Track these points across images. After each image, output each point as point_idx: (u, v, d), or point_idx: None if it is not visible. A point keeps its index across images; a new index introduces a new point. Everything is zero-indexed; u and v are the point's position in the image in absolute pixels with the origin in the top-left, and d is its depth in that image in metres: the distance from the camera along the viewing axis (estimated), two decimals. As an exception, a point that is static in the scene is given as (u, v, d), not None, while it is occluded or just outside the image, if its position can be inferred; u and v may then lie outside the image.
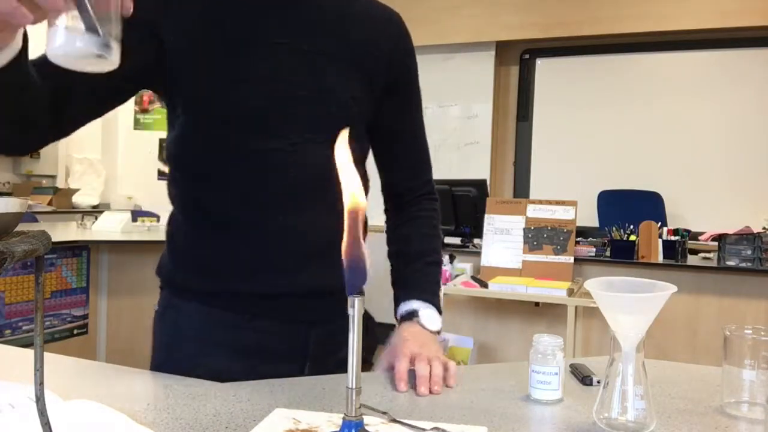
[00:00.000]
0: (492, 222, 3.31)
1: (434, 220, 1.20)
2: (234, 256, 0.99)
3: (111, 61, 0.64)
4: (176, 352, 1.03)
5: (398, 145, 1.15)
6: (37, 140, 0.91)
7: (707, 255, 3.36)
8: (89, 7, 0.61)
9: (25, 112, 0.83)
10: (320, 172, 0.97)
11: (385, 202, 1.20)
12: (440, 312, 1.10)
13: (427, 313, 1.06)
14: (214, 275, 1.00)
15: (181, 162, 1.03)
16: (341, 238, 0.99)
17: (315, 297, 1.01)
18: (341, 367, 1.10)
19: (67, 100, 0.88)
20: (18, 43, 0.71)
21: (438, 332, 1.07)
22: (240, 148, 0.97)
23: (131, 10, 0.64)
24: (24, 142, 0.90)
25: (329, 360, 1.03)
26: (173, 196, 1.05)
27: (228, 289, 1.00)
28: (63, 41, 0.61)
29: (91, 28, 0.61)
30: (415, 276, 1.12)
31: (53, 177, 6.14)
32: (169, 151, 1.03)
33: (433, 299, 1.09)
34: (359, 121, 1.05)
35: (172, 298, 1.05)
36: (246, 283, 0.99)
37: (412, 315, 1.06)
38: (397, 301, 1.11)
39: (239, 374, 0.95)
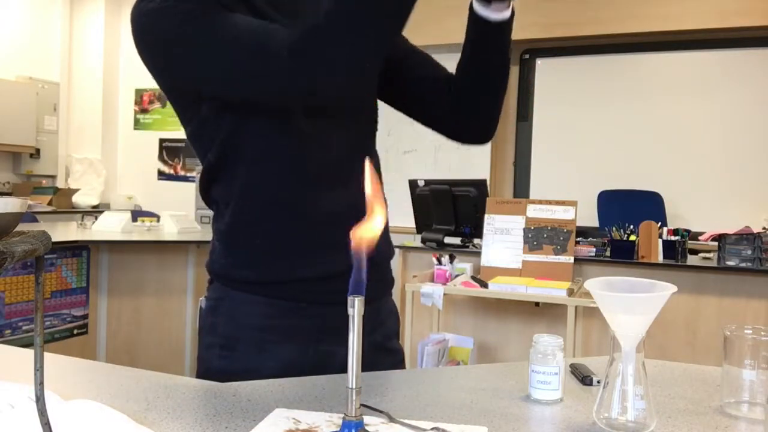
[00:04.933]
0: (492, 222, 3.31)
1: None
2: (285, 238, 1.03)
3: None
4: (239, 343, 1.04)
5: (414, 61, 1.17)
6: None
7: (707, 255, 3.36)
8: None
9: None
10: (358, 148, 1.04)
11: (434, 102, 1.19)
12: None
13: None
14: (269, 263, 1.03)
15: (222, 154, 1.03)
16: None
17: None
18: (378, 343, 1.11)
19: None
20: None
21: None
22: (267, 139, 1.01)
23: None
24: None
25: (371, 338, 1.06)
26: (218, 193, 1.06)
27: (284, 277, 1.03)
28: None
29: None
30: None
31: (53, 177, 6.15)
32: (208, 145, 1.04)
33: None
34: (375, 104, 1.11)
35: (226, 290, 1.06)
36: (301, 267, 1.02)
37: None
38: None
39: (302, 360, 1.01)
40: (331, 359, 1.03)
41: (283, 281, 1.03)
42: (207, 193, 1.09)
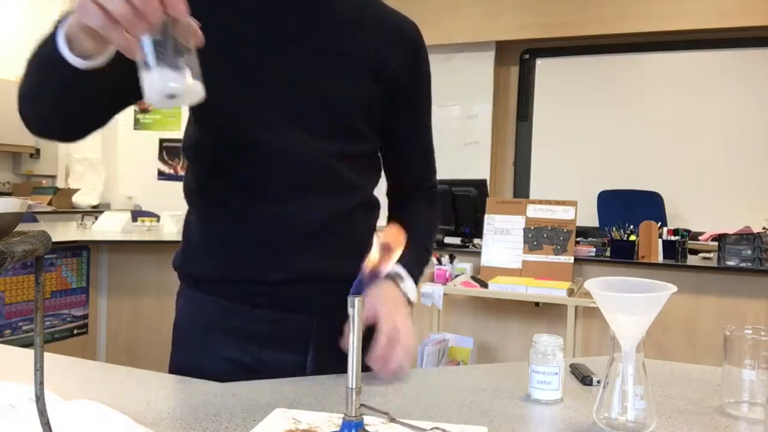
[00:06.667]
0: (492, 222, 3.31)
1: (434, 210, 1.23)
2: (231, 242, 1.03)
3: (197, 93, 0.72)
4: (190, 339, 1.06)
5: (405, 149, 1.16)
6: (85, 133, 0.95)
7: (707, 255, 3.36)
8: (171, 45, 0.69)
9: (92, 112, 0.90)
10: (316, 164, 1.01)
11: (388, 195, 1.22)
12: (417, 288, 1.11)
13: (410, 285, 1.07)
14: (214, 262, 1.04)
15: (187, 150, 1.08)
16: (334, 228, 0.99)
17: (310, 286, 1.03)
18: (345, 358, 1.10)
19: (120, 100, 0.94)
20: (110, 54, 0.77)
21: (412, 304, 1.07)
22: (232, 134, 1.00)
23: (203, 41, 0.72)
24: (77, 134, 0.95)
25: (333, 351, 1.01)
26: (184, 187, 1.11)
27: (228, 276, 1.03)
28: (158, 83, 0.68)
29: (175, 67, 0.69)
30: (410, 253, 1.11)
31: (53, 177, 6.14)
32: (183, 141, 1.10)
33: (417, 278, 1.10)
34: (360, 120, 1.06)
35: (184, 287, 1.10)
36: (244, 271, 1.02)
37: (395, 276, 1.05)
38: None
39: (246, 362, 1.00)
40: (282, 366, 1.01)
41: (227, 281, 1.03)
42: (183, 188, 1.13)
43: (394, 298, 1.02)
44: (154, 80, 0.68)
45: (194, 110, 1.03)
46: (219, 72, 0.97)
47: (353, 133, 1.06)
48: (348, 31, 1.05)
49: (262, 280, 1.02)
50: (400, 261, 1.07)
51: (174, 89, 0.69)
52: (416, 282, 1.09)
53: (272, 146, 1.00)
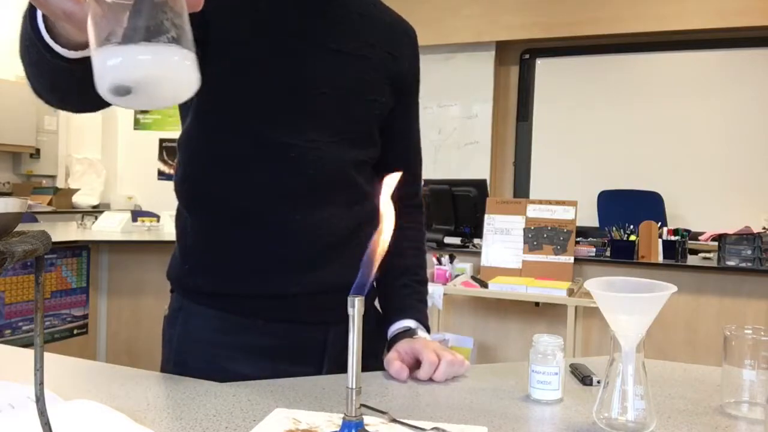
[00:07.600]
0: (492, 222, 3.31)
1: (422, 234, 1.20)
2: (247, 254, 0.98)
3: (185, 82, 0.45)
4: (191, 357, 1.01)
5: (396, 150, 1.14)
6: (105, 105, 0.81)
7: (707, 255, 3.36)
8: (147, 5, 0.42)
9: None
10: (338, 171, 0.98)
11: None
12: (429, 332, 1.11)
13: (424, 335, 1.07)
14: (226, 276, 0.99)
15: (195, 154, 1.01)
16: (354, 238, 0.98)
17: (329, 297, 0.98)
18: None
19: None
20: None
21: None
22: (256, 140, 0.96)
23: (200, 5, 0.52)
24: (93, 108, 0.82)
25: (347, 361, 1.02)
26: (184, 193, 1.04)
27: (241, 291, 0.98)
28: (119, 60, 0.41)
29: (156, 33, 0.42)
30: (406, 293, 1.11)
31: (53, 177, 6.14)
32: (183, 144, 1.02)
33: (425, 321, 1.10)
34: (375, 125, 1.05)
35: (183, 301, 1.03)
36: (259, 284, 0.98)
37: (409, 332, 1.05)
38: (389, 316, 1.10)
39: (259, 377, 0.95)
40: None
41: (238, 295, 0.98)
42: (180, 194, 1.05)
43: (428, 342, 1.02)
44: (110, 59, 0.42)
45: (202, 103, 0.97)
46: (236, 70, 0.94)
47: (369, 138, 1.05)
48: (364, 31, 1.02)
49: (279, 294, 0.98)
50: (409, 314, 1.07)
51: (145, 70, 0.42)
52: (427, 327, 1.09)
53: (294, 151, 0.95)
